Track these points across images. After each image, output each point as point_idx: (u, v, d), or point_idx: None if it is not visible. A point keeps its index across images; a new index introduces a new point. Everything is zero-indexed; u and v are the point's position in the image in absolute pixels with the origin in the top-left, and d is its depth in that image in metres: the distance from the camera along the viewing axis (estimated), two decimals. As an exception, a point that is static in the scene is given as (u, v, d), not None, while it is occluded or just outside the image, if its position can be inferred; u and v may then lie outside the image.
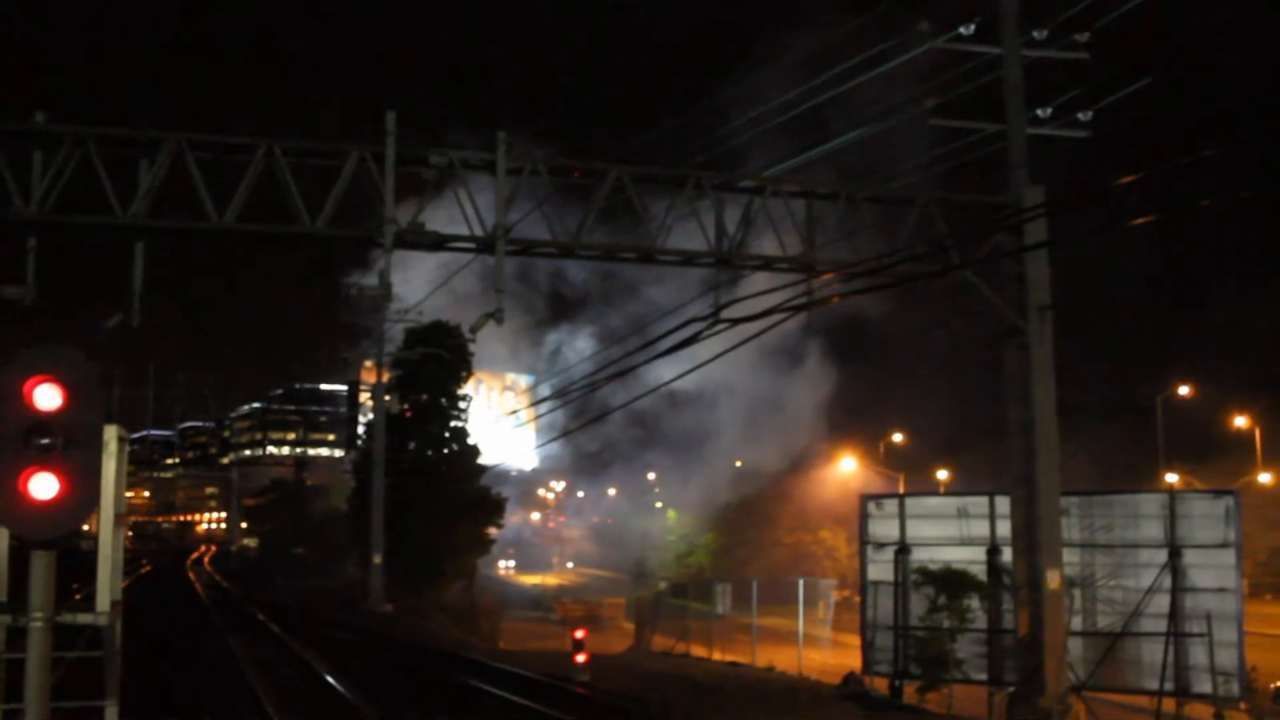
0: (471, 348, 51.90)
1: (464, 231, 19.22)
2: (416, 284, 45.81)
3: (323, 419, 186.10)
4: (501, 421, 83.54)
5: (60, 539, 7.89)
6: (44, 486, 7.65)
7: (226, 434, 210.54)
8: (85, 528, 8.41)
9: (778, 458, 76.26)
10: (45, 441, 7.65)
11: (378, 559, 47.78)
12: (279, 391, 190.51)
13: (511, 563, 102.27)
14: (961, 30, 20.92)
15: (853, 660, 28.88)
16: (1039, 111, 21.34)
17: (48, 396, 7.72)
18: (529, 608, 70.71)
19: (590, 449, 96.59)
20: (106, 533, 8.52)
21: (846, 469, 70.83)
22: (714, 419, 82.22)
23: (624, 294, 76.37)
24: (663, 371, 21.78)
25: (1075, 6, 20.84)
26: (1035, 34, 21.21)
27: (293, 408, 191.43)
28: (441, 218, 19.95)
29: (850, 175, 22.05)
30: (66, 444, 7.69)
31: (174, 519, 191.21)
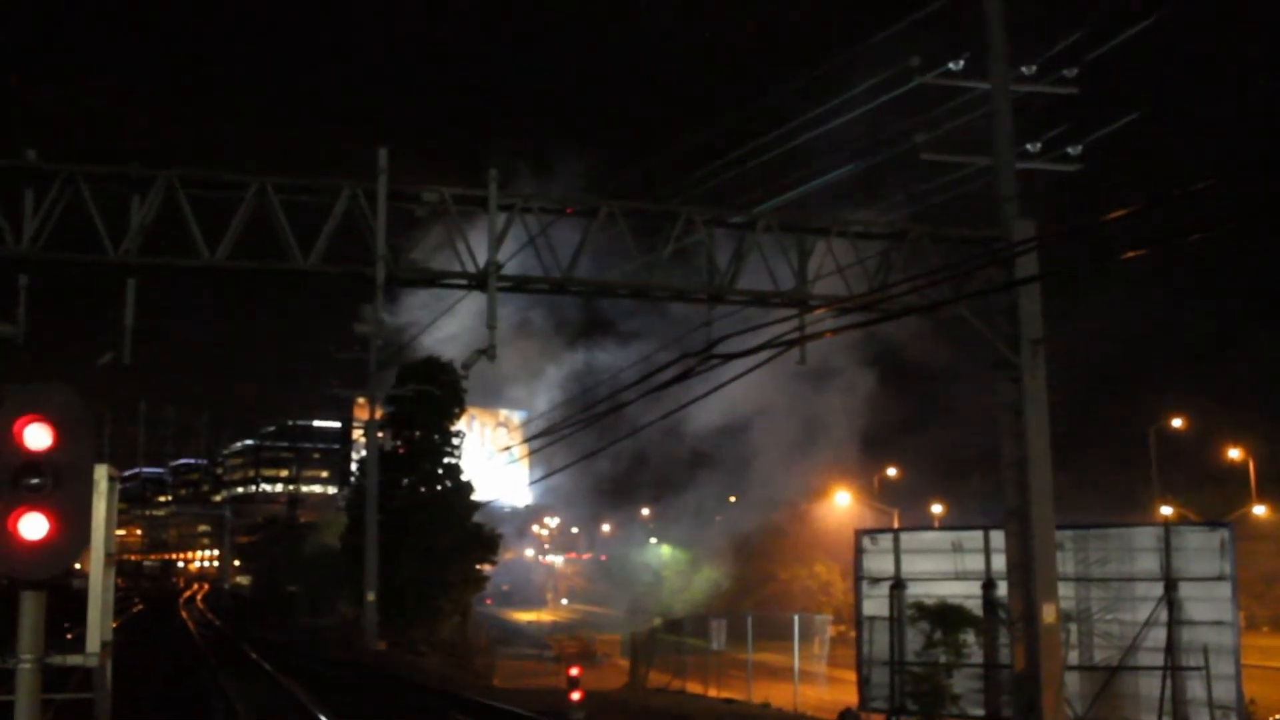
0: (464, 384, 51.86)
1: (458, 267, 19.22)
2: (462, 315, 44.88)
3: (316, 456, 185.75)
4: (495, 458, 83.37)
5: (51, 579, 7.83)
6: (34, 526, 7.60)
7: (219, 471, 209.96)
8: (77, 566, 8.36)
9: (780, 493, 76.20)
10: (35, 481, 7.60)
11: (371, 596, 47.53)
12: (272, 428, 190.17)
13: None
14: (950, 65, 20.99)
15: (849, 696, 28.74)
16: (1029, 146, 21.42)
17: (38, 436, 7.68)
18: (524, 644, 70.31)
19: (610, 474, 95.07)
20: (96, 573, 8.48)
21: (841, 503, 70.69)
22: (715, 453, 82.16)
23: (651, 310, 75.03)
24: (664, 405, 21.67)
25: (1064, 42, 20.95)
26: (1024, 69, 21.31)
27: (286, 445, 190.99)
28: (444, 252, 19.90)
29: (846, 209, 22.10)
30: (57, 483, 7.64)
31: (157, 557, 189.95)
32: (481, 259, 18.99)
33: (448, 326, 45.39)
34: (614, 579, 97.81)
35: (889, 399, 69.04)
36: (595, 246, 19.69)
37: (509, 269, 19.27)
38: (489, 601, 55.05)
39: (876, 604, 26.66)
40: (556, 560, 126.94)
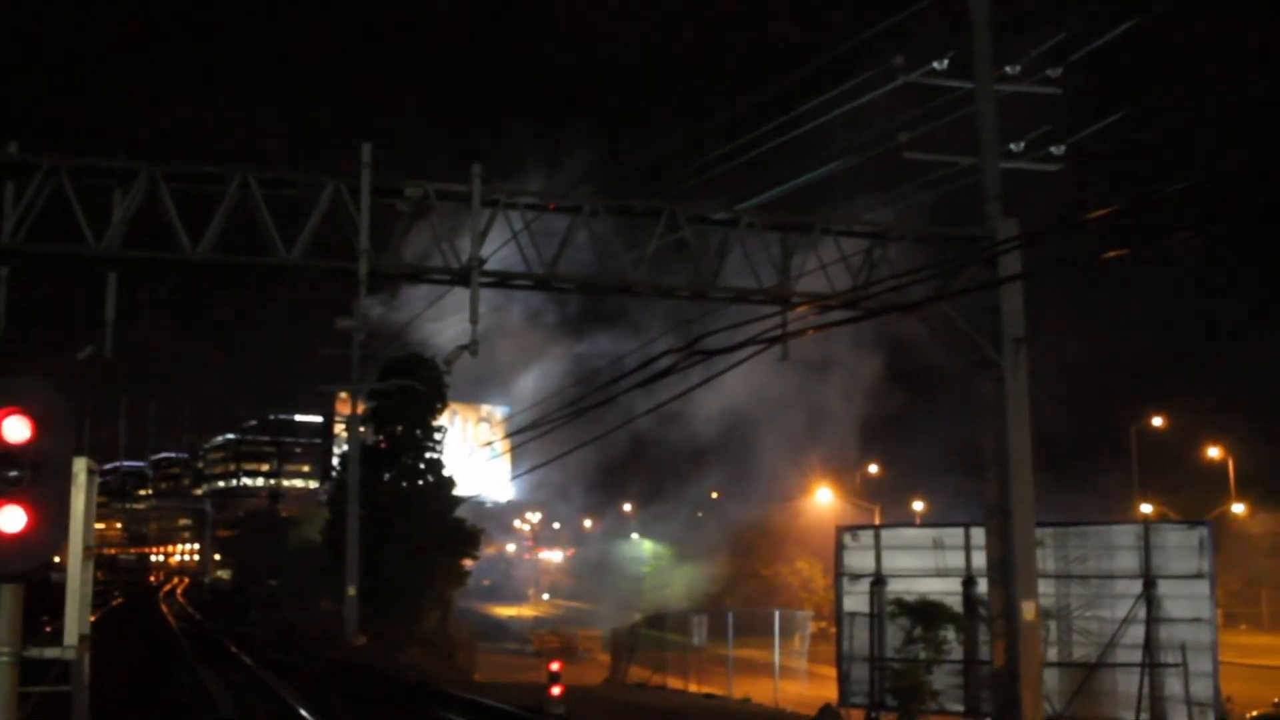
0: (447, 379, 51.77)
1: (441, 262, 19.20)
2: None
3: (297, 450, 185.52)
4: (477, 453, 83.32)
5: (28, 573, 7.81)
6: (11, 519, 7.58)
7: (200, 465, 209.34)
8: (55, 559, 8.34)
9: (764, 489, 76.35)
10: (13, 474, 7.58)
11: (352, 591, 47.50)
12: (253, 422, 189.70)
13: None
14: (935, 65, 21.02)
15: (829, 692, 28.81)
16: (1013, 145, 21.46)
17: (16, 428, 7.66)
18: (505, 640, 70.32)
19: (598, 468, 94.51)
20: (75, 566, 8.45)
21: (822, 500, 70.83)
22: (700, 449, 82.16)
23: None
24: (650, 400, 21.64)
25: (1048, 41, 21.00)
26: (1008, 69, 21.35)
27: (267, 439, 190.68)
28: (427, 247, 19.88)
29: (828, 207, 22.11)
30: (35, 477, 7.63)
31: (135, 551, 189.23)
32: (467, 254, 18.97)
33: (456, 320, 45.33)
34: (603, 574, 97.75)
35: (871, 396, 69.14)
36: (584, 240, 19.68)
37: (495, 264, 19.27)
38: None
39: (857, 600, 26.73)
40: (555, 557, 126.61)
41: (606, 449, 77.22)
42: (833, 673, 28.05)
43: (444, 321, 46.73)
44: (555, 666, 26.42)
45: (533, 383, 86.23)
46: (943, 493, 67.61)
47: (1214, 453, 69.56)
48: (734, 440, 77.29)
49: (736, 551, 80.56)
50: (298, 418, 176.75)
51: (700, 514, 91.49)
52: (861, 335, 53.31)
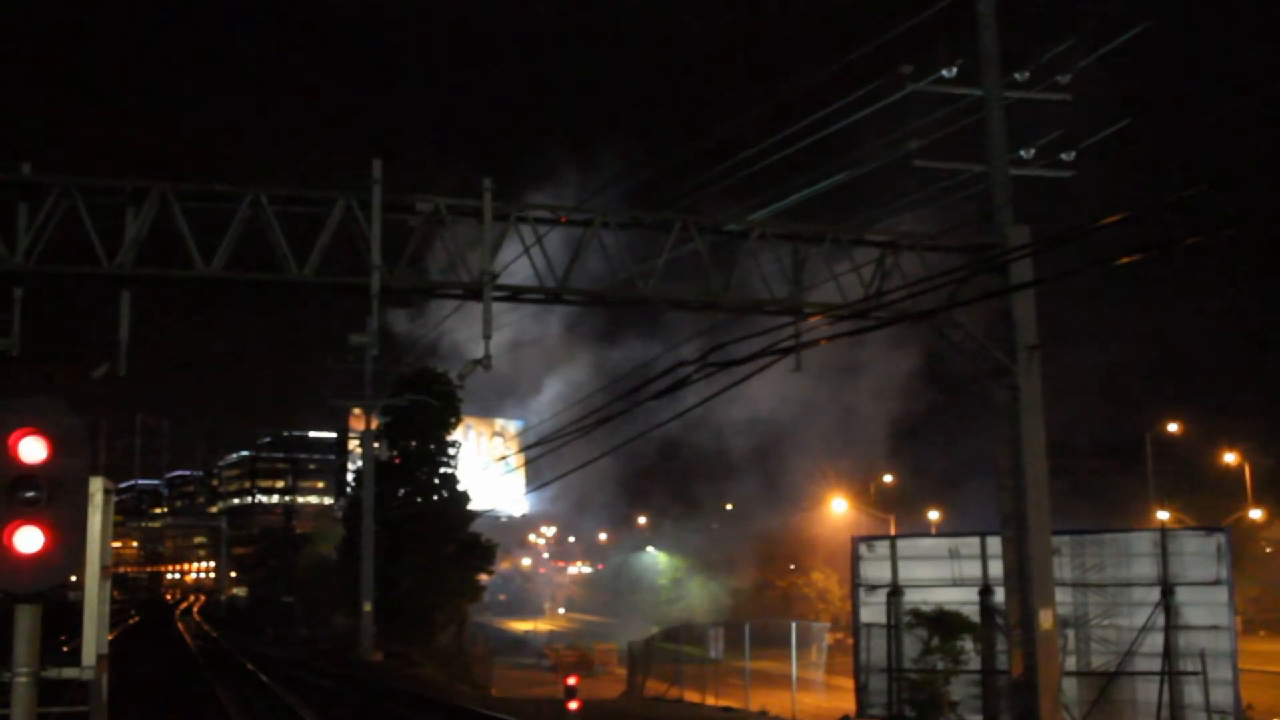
0: (460, 393, 51.83)
1: (454, 277, 19.22)
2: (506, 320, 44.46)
3: (312, 467, 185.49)
4: (491, 468, 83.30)
5: (46, 592, 7.82)
6: (29, 540, 7.59)
7: (215, 483, 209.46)
8: (72, 579, 8.35)
9: (780, 500, 76.29)
10: (30, 494, 7.60)
11: (368, 607, 47.47)
12: (267, 439, 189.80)
13: None
14: (944, 72, 21.00)
15: (847, 703, 28.71)
16: (1022, 153, 21.42)
17: (32, 449, 7.67)
18: (522, 654, 70.20)
19: (619, 480, 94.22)
20: (92, 586, 8.47)
21: (837, 510, 70.65)
22: (714, 459, 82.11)
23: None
24: (664, 412, 21.58)
25: (1057, 48, 20.98)
26: (1017, 76, 21.34)
27: (281, 455, 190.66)
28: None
29: (839, 217, 22.08)
30: (52, 497, 7.64)
31: (150, 569, 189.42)
32: (477, 269, 18.97)
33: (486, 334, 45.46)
34: (619, 587, 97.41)
35: (887, 405, 69.00)
36: (597, 252, 19.66)
37: (508, 278, 19.27)
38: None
39: (874, 611, 26.65)
40: (584, 570, 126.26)
41: (623, 462, 77.32)
42: (850, 684, 27.95)
43: (472, 331, 46.94)
44: (572, 681, 26.38)
45: (556, 389, 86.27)
46: (959, 502, 67.46)
47: (1230, 459, 69.29)
48: (751, 451, 77.29)
49: (753, 563, 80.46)
50: (312, 434, 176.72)
51: (715, 526, 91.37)
52: (877, 345, 53.28)
